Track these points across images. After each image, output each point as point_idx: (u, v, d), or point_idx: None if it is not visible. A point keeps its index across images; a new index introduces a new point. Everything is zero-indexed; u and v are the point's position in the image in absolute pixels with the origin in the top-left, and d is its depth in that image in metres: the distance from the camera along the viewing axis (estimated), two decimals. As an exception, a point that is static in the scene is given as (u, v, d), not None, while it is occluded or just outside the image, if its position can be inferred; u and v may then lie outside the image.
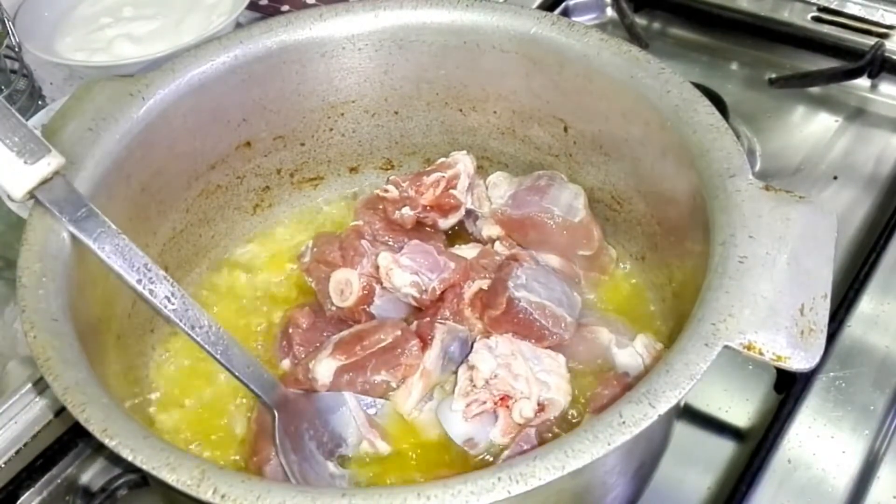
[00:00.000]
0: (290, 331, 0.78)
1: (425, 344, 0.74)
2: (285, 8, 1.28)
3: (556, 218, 0.81)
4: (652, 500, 0.74)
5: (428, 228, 0.85)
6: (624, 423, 0.53)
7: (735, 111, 1.06)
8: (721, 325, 0.57)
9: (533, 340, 0.74)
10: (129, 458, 0.53)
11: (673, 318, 0.77)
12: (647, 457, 0.69)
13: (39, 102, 1.14)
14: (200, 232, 0.85)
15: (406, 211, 0.83)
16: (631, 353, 0.73)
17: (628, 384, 0.70)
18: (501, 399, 0.69)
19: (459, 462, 0.70)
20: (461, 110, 0.88)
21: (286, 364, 0.77)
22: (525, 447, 0.68)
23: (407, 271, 0.77)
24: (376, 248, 0.79)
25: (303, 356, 0.76)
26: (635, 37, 1.19)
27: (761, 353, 0.56)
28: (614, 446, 0.52)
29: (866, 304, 0.88)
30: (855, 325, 0.86)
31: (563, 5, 1.25)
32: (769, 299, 0.58)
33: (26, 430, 0.78)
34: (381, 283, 0.77)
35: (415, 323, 0.76)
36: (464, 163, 0.85)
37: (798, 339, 0.57)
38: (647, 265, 0.82)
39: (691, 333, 0.57)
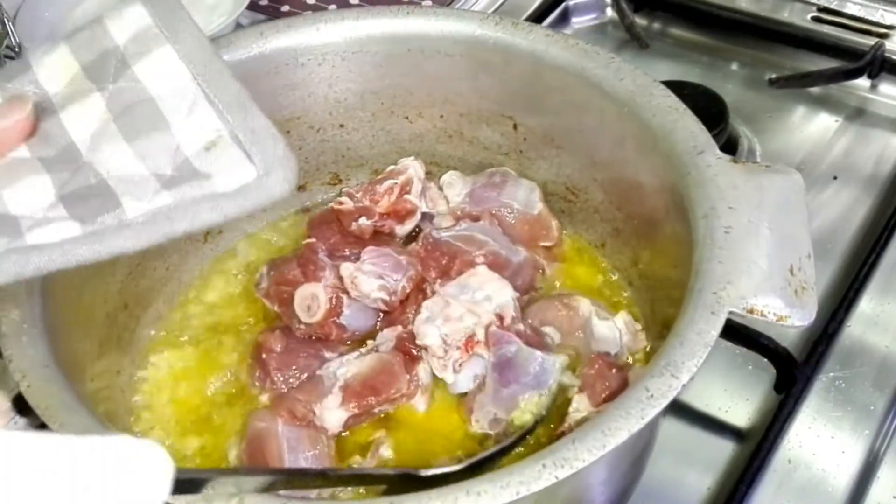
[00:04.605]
0: (264, 356, 0.76)
1: (412, 358, 0.74)
2: (285, 8, 1.27)
3: (516, 212, 0.83)
4: (652, 500, 0.75)
5: (385, 237, 0.84)
6: (652, 396, 0.54)
7: (735, 111, 1.06)
8: (722, 293, 0.59)
9: (460, 267, 0.77)
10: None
11: (645, 301, 0.78)
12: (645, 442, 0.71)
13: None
14: (155, 265, 0.82)
15: (363, 221, 0.83)
16: (610, 327, 0.75)
17: (612, 363, 0.72)
18: (466, 343, 0.72)
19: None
20: (407, 117, 0.88)
21: (265, 397, 0.75)
22: (511, 349, 0.71)
23: (372, 276, 0.77)
24: (336, 262, 0.79)
25: (280, 381, 0.75)
26: (635, 37, 1.19)
27: (763, 315, 0.59)
28: (648, 419, 0.53)
29: (866, 304, 0.88)
30: (855, 325, 0.86)
31: (562, 6, 1.24)
32: (760, 264, 0.60)
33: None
34: (348, 294, 0.77)
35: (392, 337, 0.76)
36: (414, 168, 0.85)
37: (794, 299, 0.59)
38: (607, 251, 0.84)
39: (695, 304, 0.59)
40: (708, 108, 1.02)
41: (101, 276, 0.74)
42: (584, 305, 0.76)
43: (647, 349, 0.76)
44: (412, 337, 0.74)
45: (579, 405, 0.70)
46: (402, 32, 0.82)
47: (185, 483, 0.48)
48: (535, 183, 0.85)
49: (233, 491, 0.50)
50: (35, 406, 0.56)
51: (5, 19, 1.07)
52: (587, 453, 0.52)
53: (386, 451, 0.70)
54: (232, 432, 0.74)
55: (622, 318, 0.75)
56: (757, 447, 0.76)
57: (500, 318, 0.74)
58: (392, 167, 0.87)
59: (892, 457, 0.77)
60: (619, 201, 0.80)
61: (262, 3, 1.28)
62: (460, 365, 0.72)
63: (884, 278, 0.90)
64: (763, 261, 0.61)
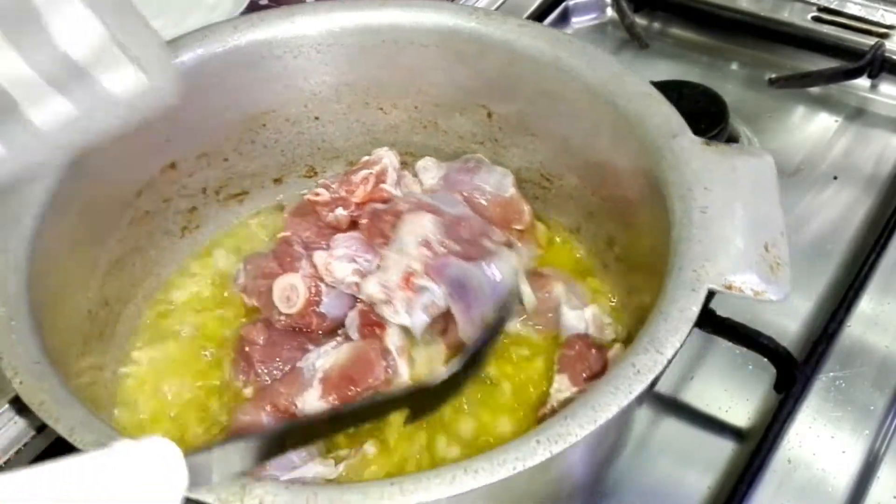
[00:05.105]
0: (247, 349, 0.76)
1: (381, 327, 0.74)
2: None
3: (488, 194, 0.84)
4: (652, 500, 0.76)
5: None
6: (638, 371, 0.56)
7: (735, 111, 1.05)
8: (701, 270, 0.61)
9: (392, 222, 0.79)
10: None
11: (621, 283, 0.80)
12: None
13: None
14: (134, 261, 0.81)
15: (340, 212, 0.83)
16: (578, 317, 0.77)
17: (592, 344, 0.74)
18: (405, 280, 0.73)
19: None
20: (382, 109, 0.89)
21: (249, 390, 0.75)
22: (454, 271, 0.73)
23: (344, 260, 0.77)
24: (311, 252, 0.80)
25: (265, 373, 0.75)
26: (635, 37, 1.19)
27: (741, 291, 0.61)
28: (636, 394, 0.55)
29: (866, 304, 0.88)
30: (855, 325, 0.86)
31: (562, 6, 1.24)
32: (737, 243, 0.63)
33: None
34: (324, 282, 0.78)
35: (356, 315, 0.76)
36: (388, 157, 0.86)
37: (769, 275, 0.62)
38: (582, 235, 0.85)
39: (676, 282, 0.61)
40: (708, 108, 1.02)
41: (82, 273, 0.74)
42: (558, 290, 0.78)
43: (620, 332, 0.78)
44: (372, 308, 0.75)
45: (561, 385, 0.71)
46: (377, 24, 0.83)
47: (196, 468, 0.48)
48: (509, 170, 0.86)
49: (239, 462, 0.50)
50: (29, 403, 0.56)
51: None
52: (579, 428, 0.53)
53: (370, 449, 0.70)
54: (217, 426, 0.74)
55: (591, 311, 0.77)
56: (757, 447, 0.75)
57: (427, 244, 0.75)
58: (367, 157, 0.88)
59: (892, 457, 0.77)
60: (593, 186, 0.81)
61: (262, 2, 1.27)
62: (409, 303, 0.73)
63: (884, 278, 0.90)
64: (739, 239, 0.63)
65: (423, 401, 0.63)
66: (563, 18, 1.25)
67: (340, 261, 0.77)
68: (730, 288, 0.60)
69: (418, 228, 0.76)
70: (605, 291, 0.82)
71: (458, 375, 0.64)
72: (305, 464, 0.68)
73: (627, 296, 0.79)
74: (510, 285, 0.73)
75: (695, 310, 0.59)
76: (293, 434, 0.55)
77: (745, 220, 0.64)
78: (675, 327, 0.58)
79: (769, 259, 0.62)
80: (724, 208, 0.64)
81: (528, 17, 1.19)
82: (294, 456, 0.68)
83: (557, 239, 0.87)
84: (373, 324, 0.75)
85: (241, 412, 0.72)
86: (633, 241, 0.77)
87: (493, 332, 0.70)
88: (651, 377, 0.55)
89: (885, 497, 0.74)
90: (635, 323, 0.74)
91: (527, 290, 0.77)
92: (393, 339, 0.74)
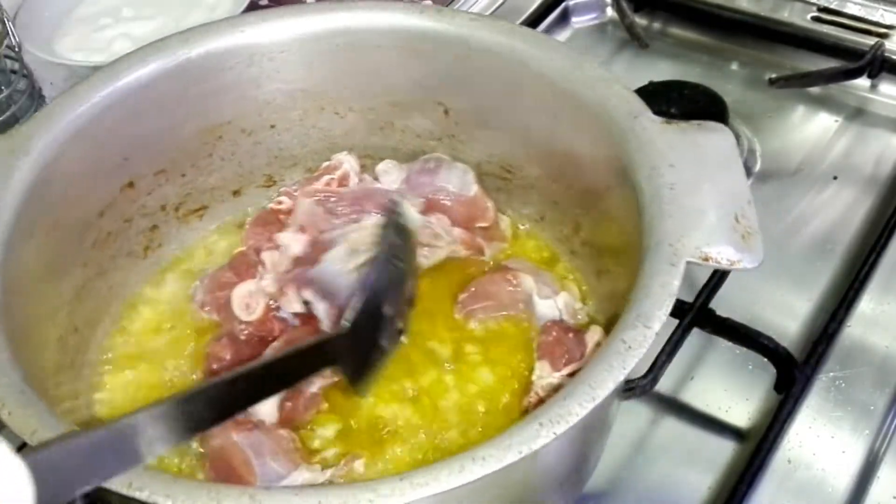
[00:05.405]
0: (215, 367, 0.75)
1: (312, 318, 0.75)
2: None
3: (451, 195, 0.85)
4: (652, 499, 0.76)
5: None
6: (629, 347, 0.57)
7: (735, 111, 1.05)
8: (677, 244, 0.62)
9: None
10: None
11: (589, 269, 0.81)
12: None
13: (39, 103, 1.14)
14: (99, 285, 0.80)
15: None
16: (550, 306, 0.77)
17: (569, 328, 0.75)
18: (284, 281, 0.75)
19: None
20: (337, 113, 0.88)
21: None
22: (311, 272, 0.75)
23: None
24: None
25: None
26: (635, 37, 1.20)
27: (718, 262, 0.62)
28: (629, 368, 0.56)
29: (866, 304, 0.88)
30: (855, 325, 0.86)
31: (562, 6, 1.24)
32: (708, 216, 0.64)
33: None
34: None
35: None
36: (348, 162, 0.86)
37: (742, 244, 0.63)
38: (547, 223, 0.86)
39: (653, 258, 0.62)
40: (708, 108, 1.03)
41: (50, 299, 0.73)
42: (528, 283, 0.78)
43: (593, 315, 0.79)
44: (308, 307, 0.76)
45: (542, 372, 0.72)
46: (328, 29, 0.82)
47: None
48: (469, 165, 0.86)
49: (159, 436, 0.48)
50: (21, 433, 0.55)
51: (5, 19, 1.07)
52: (579, 407, 0.54)
53: (360, 467, 0.69)
54: (192, 452, 0.71)
55: (563, 298, 0.78)
56: (757, 447, 0.75)
57: (303, 229, 0.77)
58: (326, 163, 0.87)
59: (892, 457, 0.77)
60: (556, 174, 0.82)
61: (261, 3, 1.28)
62: (300, 292, 0.74)
63: (884, 278, 0.90)
64: (710, 212, 0.64)
65: (350, 358, 0.63)
66: (563, 18, 1.25)
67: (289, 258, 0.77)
68: (706, 259, 0.62)
69: (299, 216, 0.78)
70: (574, 277, 0.82)
71: (366, 318, 0.63)
72: (290, 473, 0.67)
73: (597, 279, 0.80)
74: (383, 246, 0.71)
75: (675, 283, 0.60)
76: (209, 399, 0.52)
77: (714, 193, 0.65)
78: (658, 302, 0.59)
79: (740, 229, 0.64)
80: (692, 183, 0.66)
81: (528, 18, 1.20)
82: (277, 466, 0.67)
83: (522, 229, 0.87)
84: (309, 316, 0.75)
85: (209, 436, 0.69)
86: (600, 225, 0.78)
87: (378, 273, 0.67)
88: (642, 351, 0.57)
89: (885, 497, 0.75)
90: (608, 304, 0.76)
91: (410, 214, 0.79)
92: (327, 324, 0.74)
